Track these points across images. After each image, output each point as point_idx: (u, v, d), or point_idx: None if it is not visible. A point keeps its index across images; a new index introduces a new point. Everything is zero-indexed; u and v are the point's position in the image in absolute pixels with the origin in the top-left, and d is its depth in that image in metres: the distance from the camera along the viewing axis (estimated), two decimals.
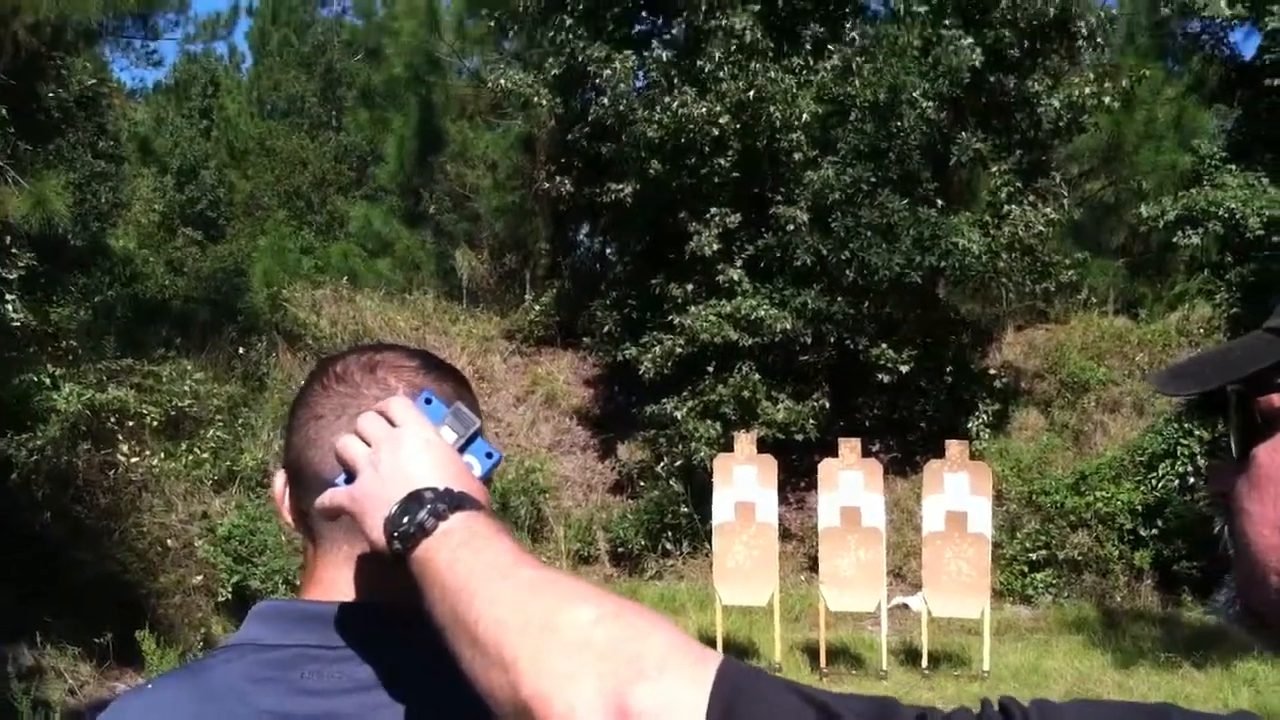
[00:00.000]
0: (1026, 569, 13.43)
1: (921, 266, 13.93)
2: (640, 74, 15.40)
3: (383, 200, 21.41)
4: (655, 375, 14.40)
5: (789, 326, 14.05)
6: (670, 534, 14.21)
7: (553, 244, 18.68)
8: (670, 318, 14.46)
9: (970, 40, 14.21)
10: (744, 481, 10.53)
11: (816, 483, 10.74)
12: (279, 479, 1.30)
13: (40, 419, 9.72)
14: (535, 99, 16.05)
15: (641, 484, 14.87)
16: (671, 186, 14.74)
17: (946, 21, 14.46)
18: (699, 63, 14.51)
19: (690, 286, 14.57)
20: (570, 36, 15.23)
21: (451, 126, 20.30)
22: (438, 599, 1.01)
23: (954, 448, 10.52)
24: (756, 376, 14.15)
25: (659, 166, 14.63)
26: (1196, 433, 12.93)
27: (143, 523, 10.20)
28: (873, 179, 14.19)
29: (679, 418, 14.16)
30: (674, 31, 15.62)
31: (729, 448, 11.13)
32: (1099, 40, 15.47)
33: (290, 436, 1.28)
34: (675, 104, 14.18)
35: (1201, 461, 12.86)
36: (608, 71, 14.75)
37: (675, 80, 14.64)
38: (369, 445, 1.12)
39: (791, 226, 14.17)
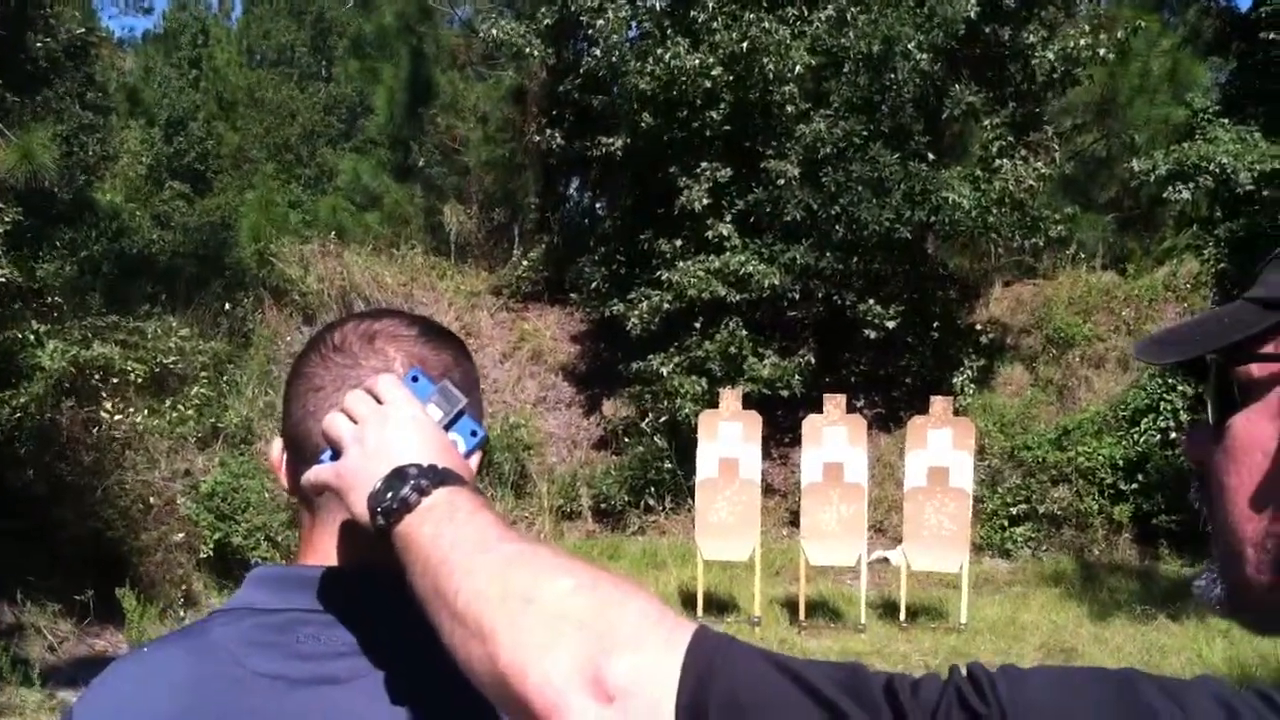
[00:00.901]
0: (1007, 523, 13.49)
1: (911, 221, 13.89)
2: (633, 24, 15.28)
3: (372, 153, 21.31)
4: (642, 331, 14.38)
5: (777, 282, 14.02)
6: (653, 490, 14.25)
7: (542, 198, 18.60)
8: (659, 273, 14.42)
9: None
10: (728, 438, 10.57)
11: (801, 438, 10.77)
12: (276, 446, 1.31)
13: (24, 376, 9.71)
14: (527, 49, 15.91)
15: (626, 440, 14.89)
16: (662, 140, 14.67)
17: None
18: (692, 13, 14.40)
19: (679, 242, 14.52)
20: None
21: (442, 77, 20.17)
22: (419, 573, 1.03)
23: (938, 404, 10.55)
24: (743, 332, 14.13)
25: (650, 120, 14.55)
26: (1180, 388, 12.95)
27: (125, 480, 10.21)
28: (864, 133, 14.12)
29: (665, 374, 14.15)
30: None
31: (714, 404, 11.15)
32: None
33: (288, 406, 1.28)
34: (668, 55, 14.08)
35: (1184, 417, 12.90)
36: (600, 21, 14.61)
37: (668, 31, 14.54)
38: (355, 423, 1.14)
39: (782, 181, 14.10)
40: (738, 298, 14.05)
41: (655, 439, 14.22)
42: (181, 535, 10.23)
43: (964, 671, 0.90)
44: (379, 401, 1.15)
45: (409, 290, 16.31)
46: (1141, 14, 16.79)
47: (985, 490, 13.38)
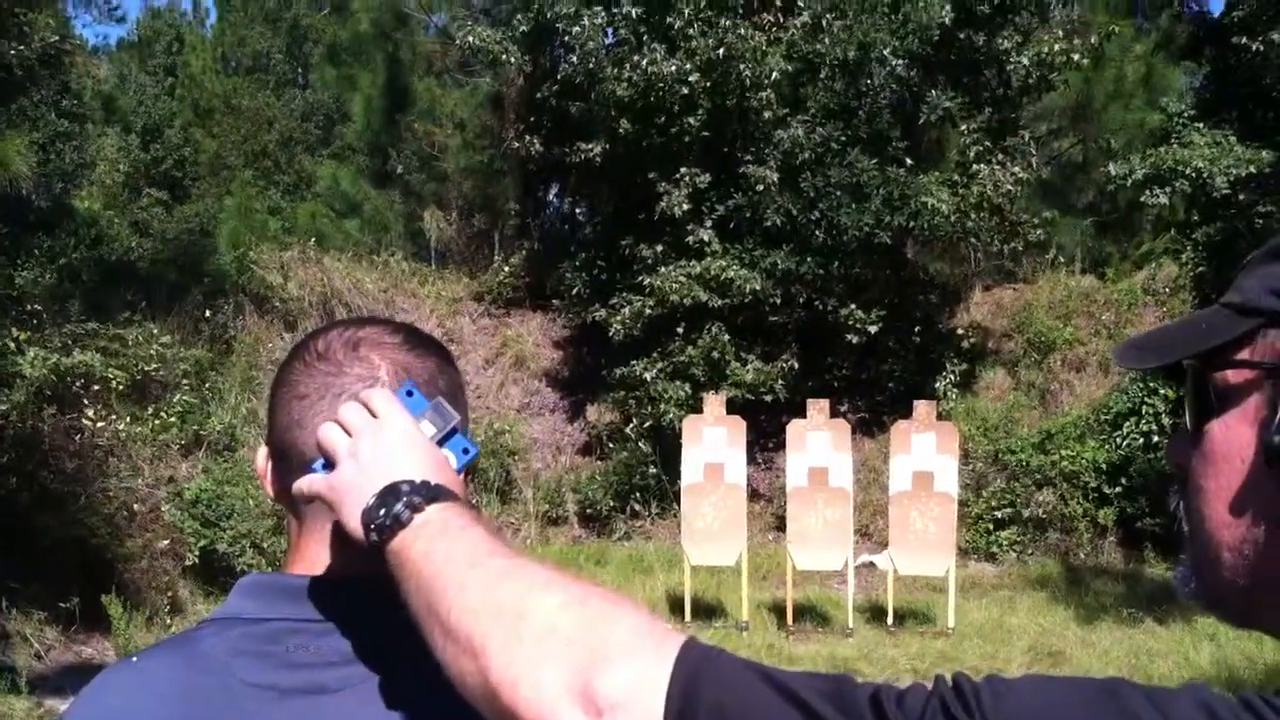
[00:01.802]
0: (992, 527, 13.55)
1: (890, 226, 13.96)
2: (609, 31, 15.29)
3: (350, 160, 21.25)
4: (625, 337, 14.39)
5: (758, 287, 14.05)
6: (639, 495, 14.25)
7: (522, 204, 18.57)
8: (640, 279, 14.42)
9: None
10: (713, 442, 10.58)
11: (785, 443, 10.79)
12: (261, 454, 1.30)
13: (5, 384, 9.65)
14: (504, 56, 15.90)
15: (610, 445, 14.88)
16: (641, 146, 14.68)
17: None
18: (669, 19, 14.42)
19: (660, 247, 14.53)
20: None
21: (419, 84, 20.15)
22: (413, 590, 1.03)
23: (921, 408, 10.59)
24: (726, 337, 14.15)
25: (628, 126, 14.56)
26: (1161, 391, 13.03)
27: (109, 487, 10.15)
28: (842, 138, 14.18)
29: (648, 379, 14.16)
30: None
31: (698, 409, 11.16)
32: None
33: (273, 415, 1.27)
34: (645, 62, 14.09)
35: (1166, 420, 12.98)
36: (577, 28, 14.62)
37: (645, 37, 14.55)
38: (349, 435, 1.15)
39: (761, 186, 14.13)
40: (719, 303, 14.07)
41: (640, 444, 14.21)
42: (166, 542, 10.18)
43: (949, 681, 0.90)
44: (373, 414, 1.16)
45: (390, 297, 16.25)
46: (1115, 20, 16.94)
47: (970, 494, 13.43)
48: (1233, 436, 0.95)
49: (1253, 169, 12.73)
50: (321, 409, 1.22)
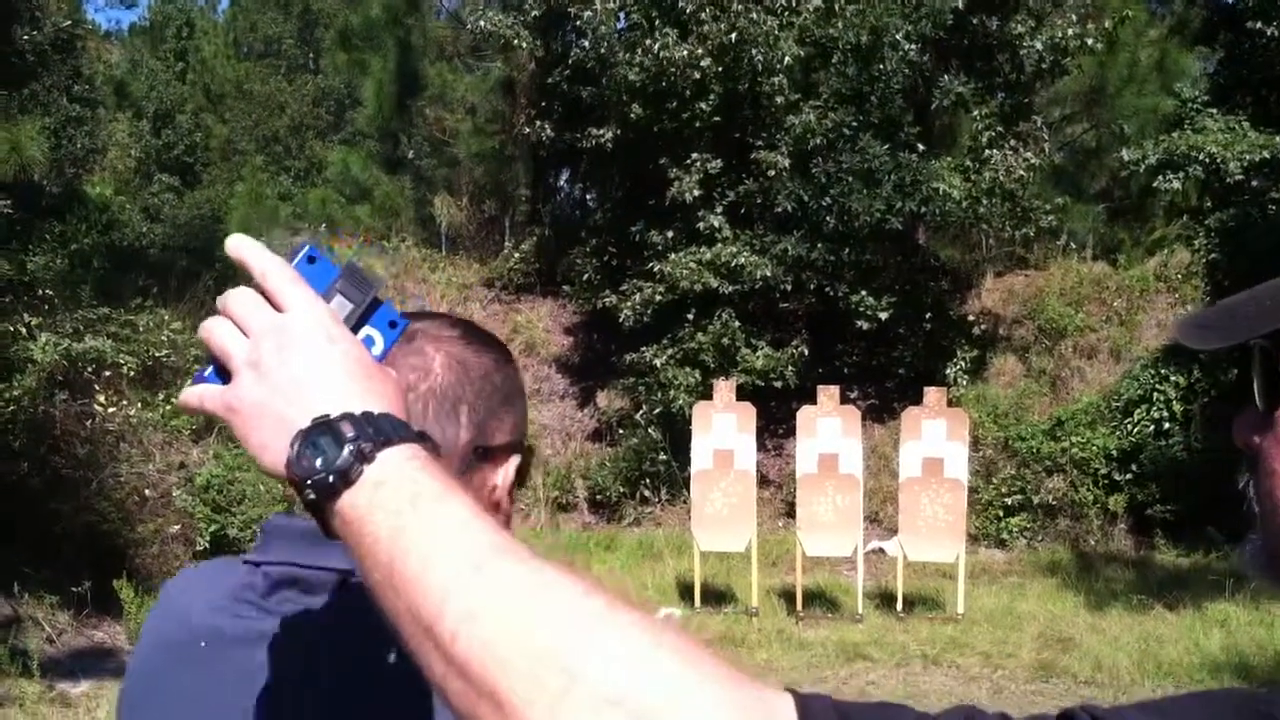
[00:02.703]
0: (1002, 513, 13.54)
1: (902, 212, 13.92)
2: (621, 15, 15.26)
3: (361, 145, 21.25)
4: (635, 323, 14.39)
5: (769, 273, 14.03)
6: (648, 481, 14.26)
7: (533, 190, 18.57)
8: (650, 265, 14.41)
9: None
10: (723, 429, 10.57)
11: (795, 430, 10.78)
12: None
13: (17, 369, 9.69)
14: (515, 41, 15.87)
15: (620, 432, 14.89)
16: (652, 131, 14.65)
17: None
18: (680, 4, 14.37)
19: (670, 233, 14.51)
20: None
21: (431, 69, 20.12)
22: (378, 579, 0.80)
23: (932, 394, 10.57)
24: (736, 324, 14.14)
25: (640, 111, 14.52)
26: (1173, 378, 13.00)
27: (120, 473, 10.20)
28: (854, 123, 14.13)
29: (658, 365, 14.16)
30: None
31: (708, 395, 11.15)
32: None
33: None
34: (656, 46, 14.06)
35: (1177, 407, 12.94)
36: (588, 13, 14.61)
37: (656, 22, 14.51)
38: (246, 335, 0.87)
39: (772, 172, 14.11)
40: (730, 289, 14.05)
41: (650, 431, 14.22)
42: (177, 527, 10.22)
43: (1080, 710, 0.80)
44: (275, 306, 0.87)
45: (400, 282, 16.27)
46: (1129, 4, 16.81)
47: (980, 481, 13.41)
48: None
49: (1266, 155, 12.67)
50: None
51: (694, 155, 14.33)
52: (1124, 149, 14.31)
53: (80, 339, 10.26)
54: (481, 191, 18.89)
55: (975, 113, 14.76)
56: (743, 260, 13.97)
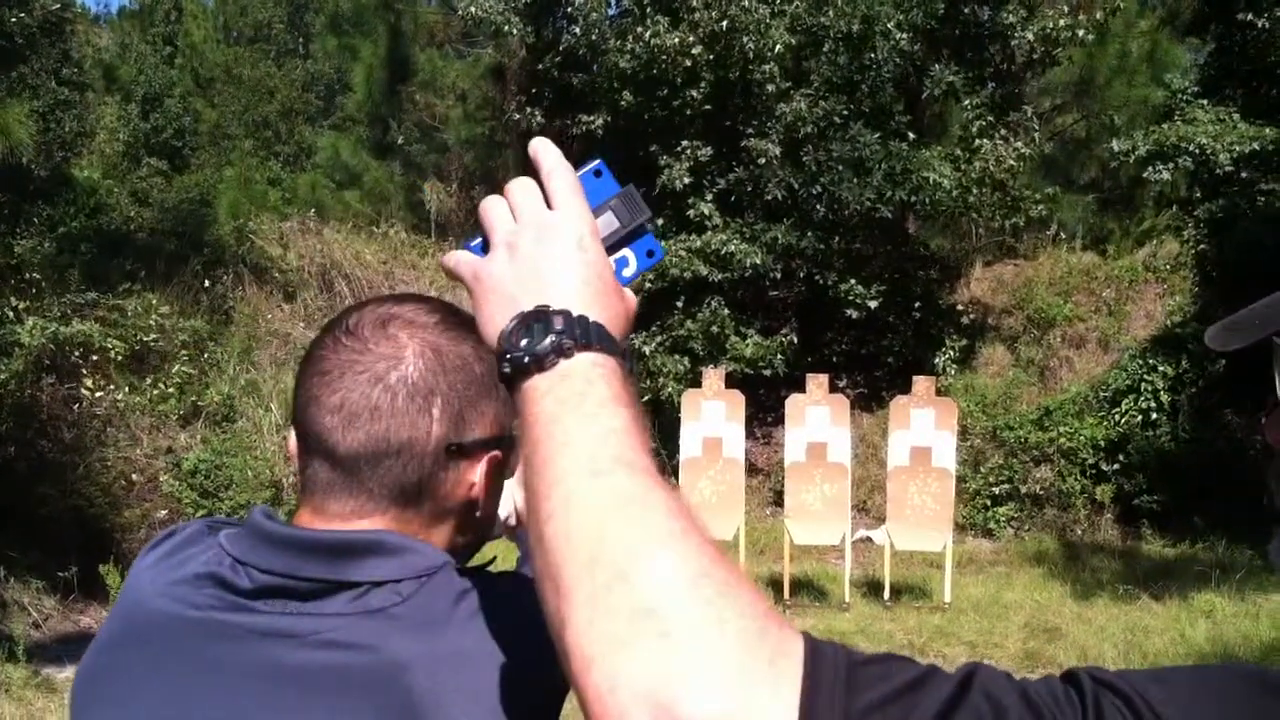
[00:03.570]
0: (989, 503, 13.57)
1: (892, 201, 13.93)
2: (612, 2, 15.25)
3: (351, 130, 21.19)
4: None
5: (759, 261, 14.02)
6: None
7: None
8: None
9: None
10: (712, 417, 10.58)
11: (784, 418, 10.79)
12: (292, 436, 1.26)
13: (3, 353, 9.65)
14: (506, 27, 15.82)
15: None
16: (643, 119, 14.64)
17: None
18: None
19: (660, 221, 14.49)
20: None
21: (421, 55, 20.06)
22: (526, 451, 0.90)
23: (920, 384, 10.59)
24: (725, 312, 14.14)
25: (630, 98, 14.51)
26: (1161, 369, 13.03)
27: (107, 457, 10.18)
28: (845, 112, 14.13)
29: (647, 353, 14.15)
30: None
31: (697, 383, 11.15)
32: None
33: (295, 390, 1.24)
34: (648, 34, 14.04)
35: (1165, 398, 12.97)
36: (579, 0, 14.58)
37: (648, 9, 14.48)
38: (515, 220, 0.99)
39: (763, 160, 14.10)
40: (719, 277, 14.05)
41: None
42: (165, 513, 10.20)
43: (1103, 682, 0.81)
44: (548, 202, 0.99)
45: (390, 268, 16.19)
46: None
47: (968, 470, 13.44)
48: None
49: (1256, 146, 12.68)
50: (340, 387, 1.18)
51: (684, 143, 14.31)
52: (1114, 140, 14.30)
53: (68, 323, 10.23)
54: (471, 177, 18.85)
55: (966, 102, 14.77)
56: (733, 248, 13.96)
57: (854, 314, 14.43)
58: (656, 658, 0.76)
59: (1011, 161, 14.41)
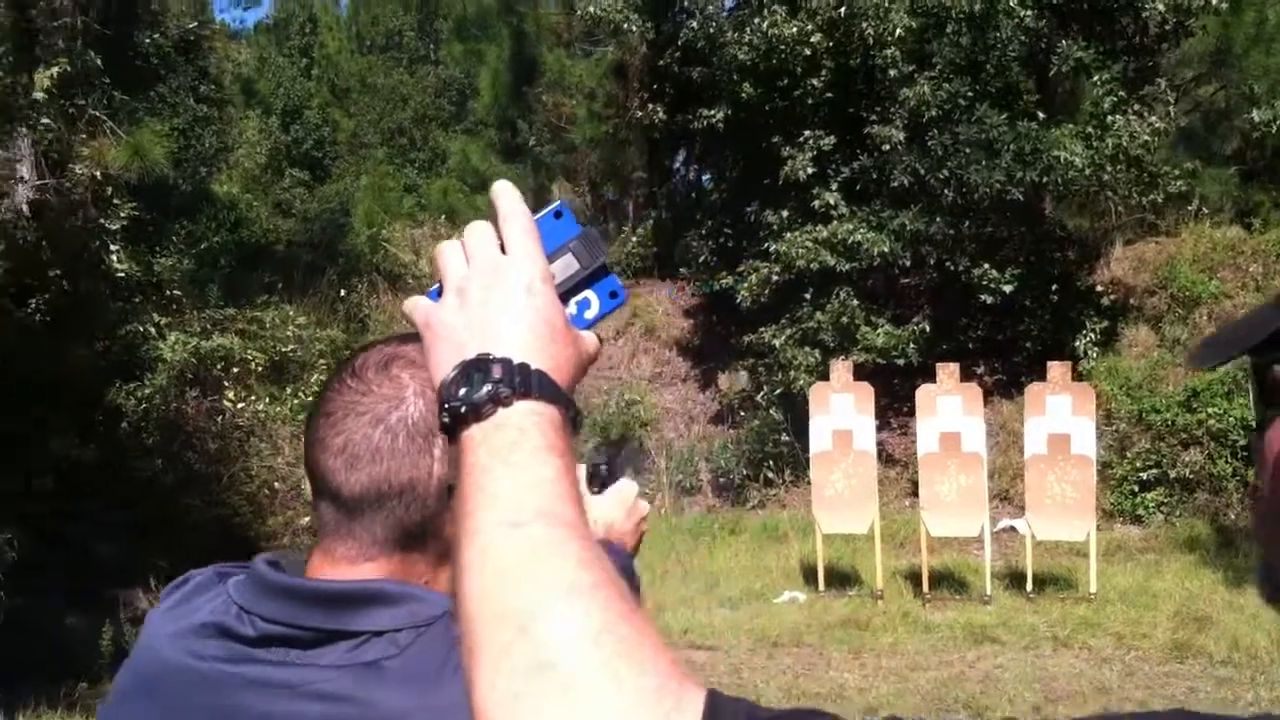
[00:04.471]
0: (1137, 489, 13.15)
1: (1023, 182, 13.58)
2: None
3: (480, 134, 21.49)
4: (753, 304, 14.33)
5: (887, 249, 13.83)
6: (772, 463, 14.20)
7: (648, 173, 18.60)
8: (766, 245, 14.33)
9: None
10: (841, 409, 10.48)
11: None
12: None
13: (148, 368, 10.00)
14: (625, 24, 15.92)
15: (742, 414, 14.86)
16: (764, 110, 14.58)
17: None
18: None
19: (785, 212, 14.42)
20: None
21: (549, 55, 20.25)
22: (458, 503, 0.87)
23: (1055, 369, 10.32)
24: (855, 302, 13.99)
25: (751, 90, 14.46)
26: None
27: (250, 467, 10.49)
28: (970, 93, 13.84)
29: (777, 346, 14.09)
30: None
31: (828, 375, 11.05)
32: None
33: (304, 430, 1.26)
34: (765, 24, 13.98)
35: None
36: None
37: (765, 0, 14.40)
38: (468, 265, 0.95)
39: (887, 146, 13.91)
40: (847, 267, 13.90)
41: (771, 412, 14.15)
42: (308, 519, 10.46)
43: None
44: (502, 247, 0.94)
45: None
46: None
47: (1113, 455, 13.07)
48: (1276, 438, 0.89)
49: None
50: (343, 429, 1.19)
51: (806, 133, 14.21)
52: (1254, 110, 13.77)
53: (208, 337, 10.58)
54: (599, 176, 18.98)
55: (1096, 78, 14.31)
56: (859, 237, 13.80)
57: (989, 299, 14.11)
58: (553, 713, 0.74)
59: (1146, 137, 13.93)
